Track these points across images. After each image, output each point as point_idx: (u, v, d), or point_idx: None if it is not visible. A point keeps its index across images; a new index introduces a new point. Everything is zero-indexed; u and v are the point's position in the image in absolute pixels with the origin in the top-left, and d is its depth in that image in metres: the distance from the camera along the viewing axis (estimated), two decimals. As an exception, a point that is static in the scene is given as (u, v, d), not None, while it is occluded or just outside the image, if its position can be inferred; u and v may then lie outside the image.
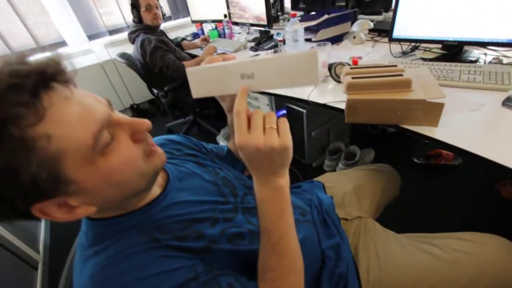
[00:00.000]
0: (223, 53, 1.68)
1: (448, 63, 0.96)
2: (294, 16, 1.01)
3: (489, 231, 0.60)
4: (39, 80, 0.29)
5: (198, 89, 0.45)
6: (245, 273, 0.43)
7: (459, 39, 0.99)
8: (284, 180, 0.40)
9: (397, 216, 0.88)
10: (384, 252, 0.59)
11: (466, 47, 1.06)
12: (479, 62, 1.02)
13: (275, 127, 0.38)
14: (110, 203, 0.39)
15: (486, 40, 0.94)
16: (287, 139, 0.37)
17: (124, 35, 2.57)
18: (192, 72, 0.44)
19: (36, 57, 0.33)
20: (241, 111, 0.37)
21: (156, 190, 0.45)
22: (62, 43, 2.37)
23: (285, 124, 0.38)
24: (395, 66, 0.80)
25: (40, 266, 1.25)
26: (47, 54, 0.34)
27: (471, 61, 1.01)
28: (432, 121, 0.71)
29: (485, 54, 1.05)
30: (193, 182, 0.51)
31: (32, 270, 1.21)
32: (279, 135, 0.37)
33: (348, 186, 0.77)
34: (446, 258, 0.56)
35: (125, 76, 2.53)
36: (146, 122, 0.38)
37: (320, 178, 0.81)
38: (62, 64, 0.34)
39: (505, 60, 0.97)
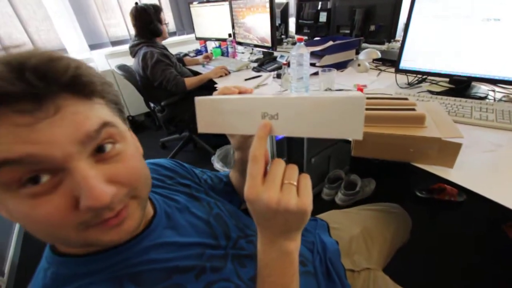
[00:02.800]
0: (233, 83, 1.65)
1: (458, 98, 0.92)
2: (301, 40, 0.99)
3: (499, 276, 0.53)
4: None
5: (207, 123, 0.36)
6: None
7: (468, 75, 0.96)
8: (295, 245, 0.33)
9: (402, 260, 0.80)
10: (395, 313, 0.51)
11: (474, 83, 1.03)
12: (488, 99, 0.99)
13: (295, 183, 0.31)
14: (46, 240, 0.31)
15: (496, 78, 0.91)
16: (307, 201, 0.30)
17: (126, 47, 2.58)
18: (202, 101, 0.36)
19: None
20: (259, 156, 0.30)
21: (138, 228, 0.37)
22: (63, 50, 2.34)
23: (307, 181, 0.32)
24: (406, 99, 0.76)
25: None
26: None
27: (480, 98, 0.98)
28: (447, 162, 0.65)
29: (494, 91, 1.02)
30: (183, 219, 0.43)
31: (-6, 295, 1.08)
32: (299, 195, 0.30)
33: (355, 229, 0.70)
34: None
35: (123, 87, 2.49)
36: (99, 196, 0.26)
37: (323, 216, 0.73)
38: (37, 82, 0.25)
39: (515, 99, 0.94)
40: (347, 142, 0.73)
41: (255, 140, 0.31)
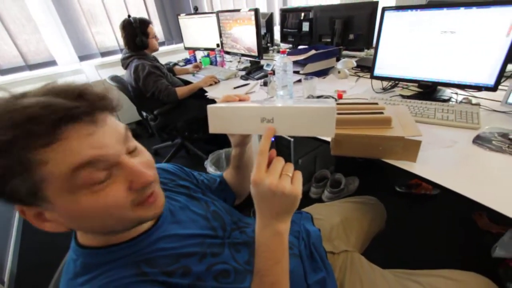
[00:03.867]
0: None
1: (424, 101, 1.04)
2: (284, 52, 1.09)
3: (467, 263, 0.63)
4: (66, 117, 0.31)
5: (217, 125, 0.47)
6: None
7: (433, 80, 1.08)
8: (285, 227, 0.42)
9: (380, 246, 0.90)
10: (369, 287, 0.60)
11: (439, 87, 1.16)
12: (451, 101, 1.11)
13: (290, 175, 0.41)
14: (98, 229, 0.39)
15: (456, 82, 1.03)
16: (298, 188, 0.40)
17: (116, 57, 2.63)
18: (214, 109, 0.46)
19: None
20: (265, 151, 0.40)
21: (149, 223, 0.45)
22: (52, 63, 2.36)
23: (299, 175, 0.42)
24: (377, 104, 0.86)
25: (5, 299, 1.15)
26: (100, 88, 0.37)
27: (444, 100, 1.10)
28: (410, 157, 0.75)
29: (456, 93, 1.15)
30: (185, 216, 0.51)
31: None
32: (292, 183, 0.40)
33: (335, 219, 0.79)
34: (428, 294, 0.57)
35: (114, 97, 2.53)
36: (146, 176, 0.36)
37: (308, 209, 0.82)
38: (91, 104, 0.34)
39: (473, 100, 1.06)
40: (328, 143, 0.82)
41: (263, 139, 0.41)
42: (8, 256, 1.36)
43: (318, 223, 0.75)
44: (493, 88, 0.95)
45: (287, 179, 0.40)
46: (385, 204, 0.92)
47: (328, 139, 0.87)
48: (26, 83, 2.25)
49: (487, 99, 1.07)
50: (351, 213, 0.81)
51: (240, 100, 0.52)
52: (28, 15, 2.14)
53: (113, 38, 2.59)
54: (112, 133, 0.36)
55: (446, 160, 0.77)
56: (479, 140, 0.82)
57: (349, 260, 0.66)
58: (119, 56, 2.62)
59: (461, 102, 1.07)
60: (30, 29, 2.19)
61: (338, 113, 0.80)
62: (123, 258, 0.40)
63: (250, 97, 0.55)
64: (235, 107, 0.46)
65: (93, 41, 2.49)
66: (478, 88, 0.99)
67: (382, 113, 0.79)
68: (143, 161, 0.39)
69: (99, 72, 2.48)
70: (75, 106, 0.32)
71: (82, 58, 2.48)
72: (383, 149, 0.76)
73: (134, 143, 0.40)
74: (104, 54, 2.58)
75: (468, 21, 0.93)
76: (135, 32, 1.59)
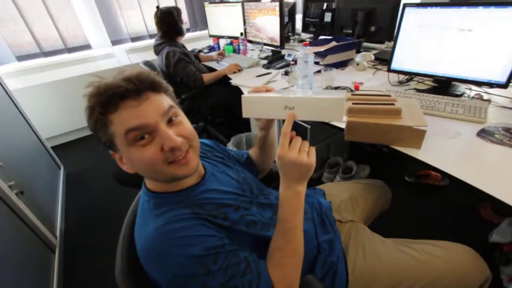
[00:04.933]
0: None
1: (437, 95, 1.11)
2: (306, 45, 1.17)
3: (463, 243, 0.72)
4: (119, 94, 0.47)
5: (249, 111, 0.60)
6: (255, 254, 0.56)
7: (447, 75, 1.14)
8: (303, 188, 0.55)
9: (386, 225, 1.00)
10: (369, 250, 0.72)
11: (454, 82, 1.21)
12: (464, 96, 1.17)
13: (307, 150, 0.53)
14: (149, 177, 0.55)
15: (469, 78, 1.09)
16: (313, 160, 0.53)
17: (144, 42, 2.78)
18: (247, 98, 0.59)
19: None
20: (287, 133, 0.52)
21: (196, 179, 0.59)
22: (87, 46, 2.55)
23: (313, 150, 0.54)
24: (389, 96, 0.95)
25: (57, 250, 1.36)
26: (144, 70, 0.51)
27: (457, 95, 1.16)
28: (416, 144, 0.85)
29: (470, 89, 1.20)
30: (222, 177, 0.65)
31: (50, 253, 1.32)
32: (308, 156, 0.52)
33: (345, 195, 0.91)
34: (419, 258, 0.68)
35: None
36: (173, 141, 0.48)
37: (322, 186, 0.94)
38: (138, 85, 0.48)
39: (485, 96, 1.12)
40: (343, 130, 0.92)
41: (286, 122, 0.53)
42: (57, 215, 1.59)
43: (329, 198, 0.87)
44: (504, 85, 1.01)
45: (304, 153, 0.52)
46: (394, 192, 1.02)
47: (343, 126, 0.97)
48: (65, 65, 2.46)
49: (500, 95, 1.12)
50: (359, 191, 0.92)
51: (266, 91, 0.65)
52: (67, 1, 2.31)
53: (143, 24, 2.73)
54: (152, 107, 0.48)
55: (450, 149, 0.86)
56: (483, 133, 0.89)
57: (354, 228, 0.78)
58: (147, 42, 2.80)
59: (472, 97, 1.13)
60: (69, 15, 2.36)
61: (353, 103, 0.90)
62: (181, 202, 0.54)
63: (274, 88, 0.67)
64: (264, 97, 0.59)
65: (124, 27, 2.65)
66: (490, 84, 1.05)
67: (393, 104, 0.88)
68: (179, 131, 0.51)
69: (129, 56, 2.64)
70: (124, 87, 0.46)
71: (114, 42, 2.64)
72: (392, 136, 0.86)
73: (178, 116, 0.53)
74: (134, 39, 2.73)
75: (486, 20, 0.98)
76: (174, 21, 1.72)
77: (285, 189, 0.55)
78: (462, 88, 1.21)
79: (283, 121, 0.56)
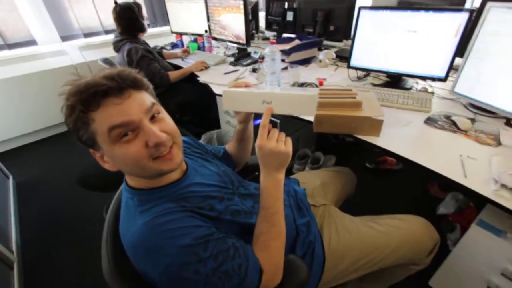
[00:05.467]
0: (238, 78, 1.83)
1: (390, 89, 1.24)
2: (273, 43, 1.22)
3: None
4: (101, 92, 0.46)
5: (229, 104, 0.63)
6: (242, 240, 0.59)
7: (398, 71, 1.29)
8: (281, 176, 0.59)
9: (354, 207, 1.09)
10: (341, 228, 0.80)
11: (404, 77, 1.36)
12: (413, 89, 1.33)
13: (283, 140, 0.57)
14: (132, 174, 0.55)
15: (416, 74, 1.24)
16: (290, 148, 0.58)
17: (100, 38, 2.61)
18: (227, 92, 0.62)
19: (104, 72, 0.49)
20: (266, 125, 0.57)
21: (178, 174, 0.60)
22: (32, 42, 2.31)
23: (289, 140, 0.59)
24: (351, 90, 1.04)
25: (16, 266, 1.24)
26: (115, 71, 0.50)
27: (406, 88, 1.31)
28: (375, 132, 0.95)
29: (417, 83, 1.37)
30: (204, 171, 0.66)
31: (9, 270, 1.20)
32: (285, 145, 0.57)
33: (316, 182, 0.98)
34: (382, 230, 0.78)
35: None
36: (157, 137, 0.49)
37: (295, 176, 1.01)
38: (120, 83, 0.48)
39: (429, 89, 1.28)
40: (311, 123, 0.99)
41: (264, 115, 0.57)
42: (11, 228, 1.43)
43: (303, 185, 0.93)
44: (444, 79, 1.17)
45: (282, 143, 0.57)
46: (358, 178, 1.13)
47: (311, 119, 1.04)
48: (6, 63, 2.19)
49: (441, 88, 1.29)
50: (328, 178, 1.01)
51: (246, 86, 0.68)
52: (5, -9, 2.06)
53: (96, 19, 2.56)
54: (135, 105, 0.49)
55: (403, 136, 0.98)
56: (429, 121, 1.04)
57: (327, 211, 0.86)
58: (102, 37, 2.63)
59: (419, 90, 1.29)
60: (7, 6, 2.11)
61: (320, 97, 0.98)
62: (166, 196, 0.55)
63: (252, 84, 0.71)
64: (243, 92, 0.62)
65: (75, 21, 2.45)
66: (433, 79, 1.21)
67: (354, 98, 0.97)
68: (162, 127, 0.52)
69: (83, 53, 2.45)
70: (106, 85, 0.47)
71: (64, 38, 2.43)
72: (355, 126, 0.95)
73: (160, 114, 0.54)
74: (87, 35, 2.54)
75: (426, 23, 1.13)
76: (135, 17, 1.64)
77: (265, 178, 0.59)
78: (410, 82, 1.38)
79: (260, 115, 0.60)
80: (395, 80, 1.36)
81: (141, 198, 0.54)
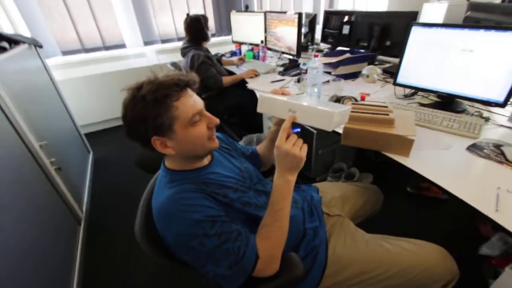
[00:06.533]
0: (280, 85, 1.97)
1: (436, 110, 1.17)
2: (316, 56, 1.28)
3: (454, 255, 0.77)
4: (184, 85, 0.61)
5: (263, 108, 0.74)
6: (247, 228, 0.67)
7: (449, 92, 1.20)
8: (292, 178, 0.66)
9: (379, 227, 1.06)
10: (350, 240, 0.81)
11: (457, 99, 1.26)
12: (466, 112, 1.22)
13: (300, 146, 0.65)
14: (183, 156, 0.68)
15: (469, 96, 1.14)
16: (303, 154, 0.64)
17: (172, 44, 3.01)
18: (262, 97, 0.73)
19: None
20: (286, 128, 0.64)
21: (205, 162, 0.72)
22: (122, 45, 2.81)
23: (305, 147, 0.65)
24: (386, 107, 1.03)
25: (83, 223, 1.55)
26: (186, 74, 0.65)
27: (458, 111, 1.21)
28: (404, 152, 0.93)
29: (473, 106, 1.25)
30: (227, 164, 0.77)
31: (77, 224, 1.51)
32: (300, 150, 0.64)
33: (336, 193, 1.00)
34: (392, 250, 0.77)
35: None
36: (216, 120, 0.67)
37: (317, 184, 1.04)
38: (191, 80, 0.63)
39: (485, 114, 1.16)
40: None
41: (286, 122, 0.65)
42: (85, 193, 1.79)
43: (322, 194, 0.97)
44: (502, 105, 1.06)
45: (297, 147, 0.64)
46: (394, 201, 1.09)
47: (340, 131, 1.06)
48: (101, 61, 2.73)
49: (499, 114, 1.16)
50: (350, 192, 1.01)
51: (282, 94, 0.78)
52: (109, 3, 2.57)
53: (173, 27, 2.96)
54: (197, 99, 0.65)
55: (438, 160, 0.93)
56: (473, 147, 0.96)
57: (340, 222, 0.87)
58: (175, 44, 3.02)
59: (472, 114, 1.18)
60: (110, 15, 2.63)
61: (353, 111, 0.99)
62: (191, 178, 0.67)
63: (290, 92, 0.80)
64: (275, 99, 0.72)
65: (156, 29, 2.88)
66: (489, 103, 1.10)
67: (388, 115, 0.96)
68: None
69: (159, 57, 2.87)
70: (184, 81, 0.61)
71: (146, 43, 2.88)
72: (383, 143, 0.95)
73: None
74: (164, 41, 2.97)
75: (486, 42, 1.04)
76: (201, 27, 1.91)
77: (278, 177, 0.67)
78: (465, 105, 1.26)
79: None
80: (446, 101, 1.27)
81: (172, 177, 0.67)
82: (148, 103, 0.58)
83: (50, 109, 1.76)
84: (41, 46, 1.86)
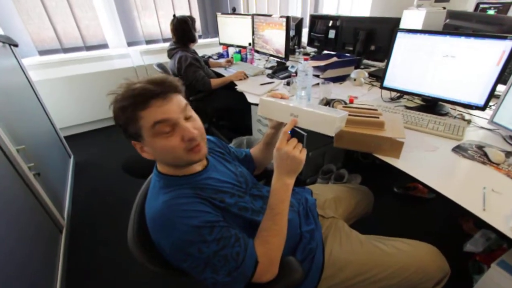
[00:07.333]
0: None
1: (422, 113, 1.22)
2: (306, 59, 1.30)
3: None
4: (156, 93, 0.57)
5: (264, 112, 0.73)
6: (245, 234, 0.66)
7: (433, 95, 1.25)
8: (291, 181, 0.66)
9: (370, 228, 1.09)
10: (345, 241, 0.82)
11: (440, 102, 1.32)
12: (449, 115, 1.27)
13: (300, 149, 0.65)
14: (165, 163, 0.66)
15: (452, 99, 1.20)
16: (303, 157, 0.65)
17: (157, 45, 2.94)
18: (263, 100, 0.72)
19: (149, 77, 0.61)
20: (287, 132, 0.65)
21: (199, 168, 0.70)
22: (105, 46, 2.71)
23: (305, 150, 0.66)
24: (376, 110, 1.06)
25: (64, 231, 1.47)
26: (158, 76, 0.61)
27: (442, 114, 1.27)
28: (395, 154, 0.95)
29: (455, 109, 1.31)
30: (222, 169, 0.76)
31: (58, 232, 1.42)
32: (300, 153, 0.64)
33: (330, 195, 1.01)
34: (387, 250, 0.78)
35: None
36: (191, 132, 0.60)
37: (310, 187, 1.04)
38: (164, 88, 0.59)
39: (466, 117, 1.22)
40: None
41: (287, 125, 0.66)
42: (66, 199, 1.70)
43: (316, 196, 0.97)
44: (482, 108, 1.12)
45: (297, 150, 0.64)
46: (382, 201, 1.11)
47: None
48: (82, 61, 2.61)
49: (479, 117, 1.23)
50: (343, 194, 1.03)
51: (281, 97, 0.77)
52: (90, 2, 2.48)
53: (157, 28, 2.90)
54: (174, 106, 0.59)
55: (426, 161, 0.96)
56: (458, 149, 1.00)
57: (335, 224, 0.88)
58: (160, 45, 2.96)
59: (455, 117, 1.24)
60: (91, 15, 2.53)
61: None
62: (186, 184, 0.65)
63: (288, 96, 0.79)
64: (277, 103, 0.72)
65: (140, 30, 2.81)
66: (470, 106, 1.15)
67: (378, 117, 0.99)
68: (193, 125, 0.63)
69: (143, 57, 2.79)
70: (154, 90, 0.58)
71: (130, 44, 2.80)
72: (374, 145, 0.97)
73: (191, 113, 0.65)
74: (148, 42, 2.89)
75: (467, 49, 1.10)
76: (188, 29, 1.87)
77: (276, 180, 0.66)
78: (447, 108, 1.32)
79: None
80: (430, 105, 1.33)
81: (166, 182, 0.65)
82: (118, 110, 0.59)
83: (28, 111, 1.66)
84: (16, 45, 1.76)
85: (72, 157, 2.19)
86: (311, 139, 1.60)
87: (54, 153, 1.86)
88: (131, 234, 0.64)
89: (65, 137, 2.23)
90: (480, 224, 0.73)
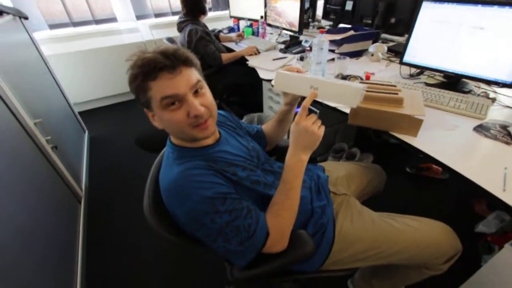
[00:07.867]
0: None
1: (443, 90, 1.16)
2: (322, 32, 1.23)
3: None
4: (159, 67, 0.56)
5: (281, 85, 0.70)
6: (256, 206, 0.67)
7: (456, 72, 1.18)
8: (306, 157, 0.66)
9: (381, 207, 1.09)
10: (357, 217, 0.82)
11: (463, 79, 1.25)
12: (472, 93, 1.21)
13: (319, 124, 0.64)
14: (174, 135, 0.66)
15: (477, 76, 1.13)
16: (321, 133, 0.64)
17: (166, 19, 2.86)
18: (281, 73, 0.69)
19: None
20: (307, 106, 0.64)
21: (211, 140, 0.69)
22: (113, 19, 2.66)
23: (323, 127, 0.65)
24: (395, 86, 1.01)
25: (83, 201, 1.54)
26: (172, 47, 0.59)
27: (465, 92, 1.20)
28: (413, 132, 0.92)
29: (479, 87, 1.24)
30: (234, 143, 0.75)
31: (77, 203, 1.49)
32: (318, 129, 0.64)
33: (342, 172, 1.00)
34: (398, 227, 0.78)
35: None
36: (197, 109, 0.58)
37: (322, 164, 1.04)
38: (174, 61, 0.57)
39: (491, 95, 1.16)
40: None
41: (307, 99, 0.64)
42: (83, 172, 1.76)
43: (328, 173, 0.97)
44: (510, 85, 1.05)
45: (316, 126, 0.64)
46: (394, 181, 1.09)
47: (347, 111, 1.05)
48: (91, 36, 2.58)
49: (505, 95, 1.16)
50: (355, 171, 1.02)
51: (297, 71, 0.75)
52: (98, -26, 2.40)
53: (166, 1, 2.80)
54: (183, 80, 0.58)
55: (444, 140, 0.93)
56: (479, 128, 0.95)
57: (346, 200, 0.88)
58: (170, 18, 2.88)
59: (478, 95, 1.17)
60: (99, -13, 2.46)
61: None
62: (199, 156, 0.65)
63: (304, 71, 0.76)
64: (294, 75, 0.69)
65: (149, 2, 2.72)
66: (497, 83, 1.08)
67: (397, 94, 0.94)
68: (202, 101, 0.61)
69: (152, 32, 2.73)
70: (163, 62, 0.56)
71: (138, 17, 2.74)
72: (391, 123, 0.94)
73: (203, 90, 0.63)
74: (157, 15, 2.81)
75: (498, 20, 1.01)
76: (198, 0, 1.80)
77: (291, 156, 0.66)
78: (471, 85, 1.25)
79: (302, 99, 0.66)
80: (452, 81, 1.25)
81: (180, 154, 0.65)
82: (130, 78, 0.58)
83: (42, 85, 1.68)
84: (26, 18, 1.74)
85: (86, 132, 2.24)
86: (322, 116, 1.57)
87: (69, 128, 1.91)
88: (147, 205, 0.66)
89: (79, 113, 2.27)
90: (495, 205, 0.72)
